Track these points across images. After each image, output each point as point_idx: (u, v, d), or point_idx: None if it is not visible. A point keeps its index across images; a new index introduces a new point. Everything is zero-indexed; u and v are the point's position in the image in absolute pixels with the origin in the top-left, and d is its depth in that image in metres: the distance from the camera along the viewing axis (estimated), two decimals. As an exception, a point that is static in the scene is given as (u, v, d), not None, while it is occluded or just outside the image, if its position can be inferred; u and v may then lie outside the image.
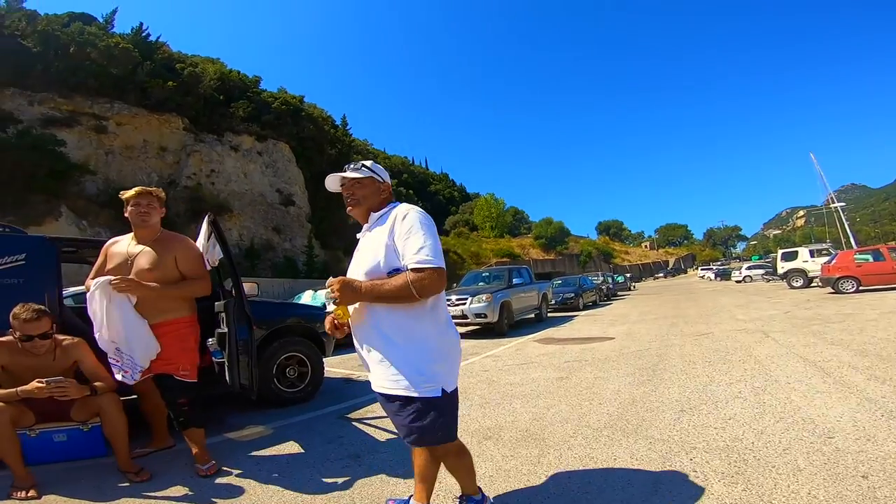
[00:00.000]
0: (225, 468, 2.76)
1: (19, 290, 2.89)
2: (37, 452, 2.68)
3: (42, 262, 3.14)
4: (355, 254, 1.84)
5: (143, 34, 27.86)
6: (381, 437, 3.31)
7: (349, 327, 1.76)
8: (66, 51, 23.43)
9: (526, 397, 4.15)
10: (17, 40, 22.59)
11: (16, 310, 2.48)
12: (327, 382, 4.99)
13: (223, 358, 3.11)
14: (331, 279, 1.64)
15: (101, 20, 28.25)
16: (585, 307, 16.19)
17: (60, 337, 2.70)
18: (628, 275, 39.40)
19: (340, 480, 2.55)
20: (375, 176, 1.85)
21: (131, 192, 2.67)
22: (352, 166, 1.87)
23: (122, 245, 2.74)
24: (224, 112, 29.17)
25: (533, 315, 11.91)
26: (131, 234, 2.75)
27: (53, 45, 23.36)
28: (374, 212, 1.83)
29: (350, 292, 1.61)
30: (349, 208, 1.87)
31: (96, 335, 2.56)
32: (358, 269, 1.73)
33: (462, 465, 1.88)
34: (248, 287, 4.31)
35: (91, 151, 22.43)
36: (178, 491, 2.48)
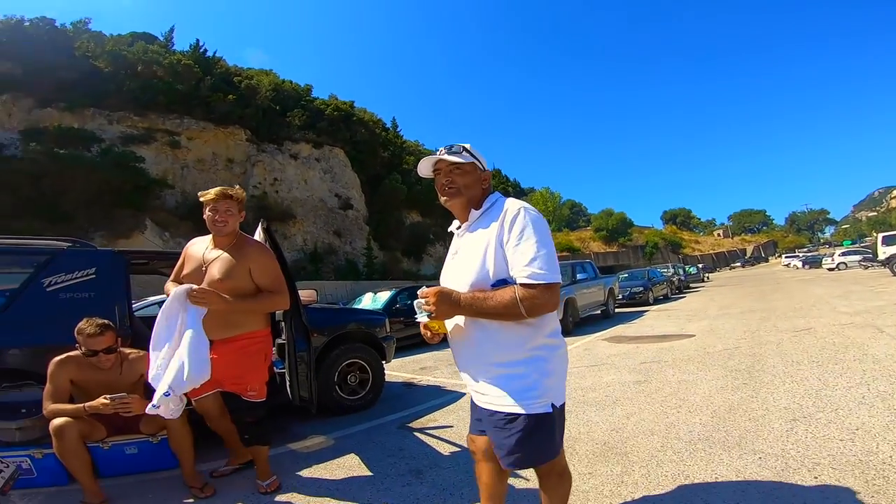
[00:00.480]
0: (285, 483, 2.65)
1: (90, 304, 2.95)
2: (110, 465, 2.72)
3: (111, 275, 3.19)
4: (451, 258, 1.63)
5: (201, 50, 29.70)
6: (444, 449, 3.09)
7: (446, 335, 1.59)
8: (135, 70, 25.46)
9: (601, 404, 3.75)
10: (90, 62, 24.84)
11: (80, 325, 2.48)
12: (388, 388, 4.87)
13: (284, 368, 3.04)
14: (425, 290, 1.46)
15: (161, 38, 30.46)
16: (656, 301, 15.21)
17: (127, 350, 2.70)
18: (701, 265, 36.81)
19: (400, 501, 2.35)
20: (478, 162, 1.58)
21: (210, 195, 2.42)
22: (451, 148, 1.57)
23: (200, 248, 2.54)
24: (281, 122, 30.50)
25: (599, 311, 11.33)
26: (210, 237, 2.54)
27: (122, 64, 25.45)
28: (475, 206, 1.57)
29: (448, 306, 1.42)
30: (445, 198, 1.59)
31: (151, 347, 2.39)
32: (457, 278, 1.53)
33: (561, 489, 1.63)
34: (308, 294, 4.27)
35: (168, 166, 24.26)
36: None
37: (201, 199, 2.44)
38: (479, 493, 1.75)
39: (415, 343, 9.18)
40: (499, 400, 1.45)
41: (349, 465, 2.92)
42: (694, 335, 7.02)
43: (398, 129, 40.89)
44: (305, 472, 2.80)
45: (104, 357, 2.50)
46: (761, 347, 5.47)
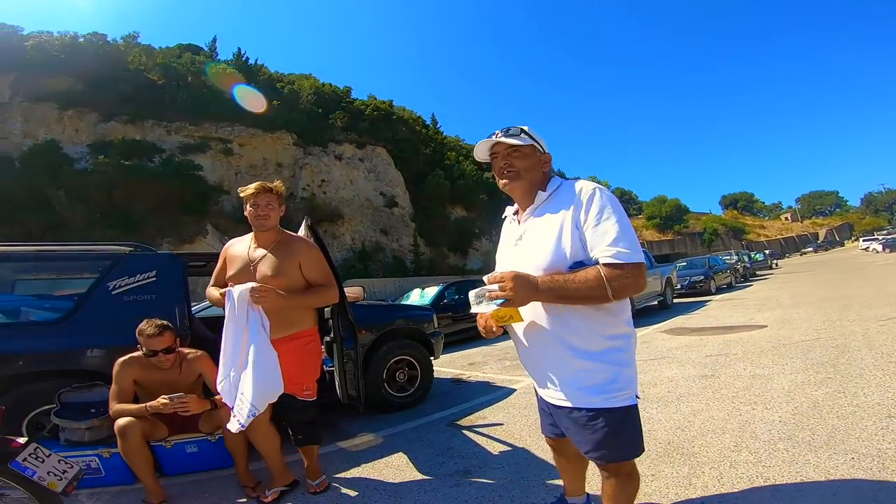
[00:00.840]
0: (334, 483, 2.62)
1: (152, 305, 3.05)
2: (173, 464, 2.79)
3: (171, 277, 3.30)
4: (514, 244, 1.53)
5: (243, 58, 31.04)
6: (493, 448, 2.97)
7: (504, 328, 1.48)
8: (185, 80, 26.96)
9: (662, 401, 3.50)
10: (144, 74, 26.51)
11: (141, 325, 2.55)
12: (436, 384, 4.81)
13: (332, 366, 3.04)
14: (499, 273, 1.35)
15: (205, 48, 32.02)
16: (719, 290, 14.26)
17: (185, 350, 2.75)
18: (768, 251, 34.40)
19: (448, 502, 2.27)
20: (537, 145, 1.51)
21: (250, 189, 2.35)
22: (509, 131, 1.49)
23: (242, 248, 2.45)
24: (324, 124, 31.42)
25: (656, 302, 10.80)
26: (251, 235, 2.47)
27: (173, 76, 27.05)
28: (539, 189, 1.50)
29: (527, 290, 1.31)
30: (504, 182, 1.52)
31: (221, 353, 2.30)
32: (527, 262, 1.42)
33: (630, 488, 1.50)
34: (355, 291, 4.27)
35: (223, 173, 25.60)
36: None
37: (241, 195, 2.39)
38: (559, 473, 1.82)
39: (463, 338, 9.10)
40: (579, 396, 1.38)
41: (397, 465, 2.87)
42: (766, 326, 6.46)
43: (438, 126, 41.06)
44: (354, 471, 2.77)
45: (164, 357, 2.55)
46: (845, 338, 4.94)
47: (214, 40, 32.64)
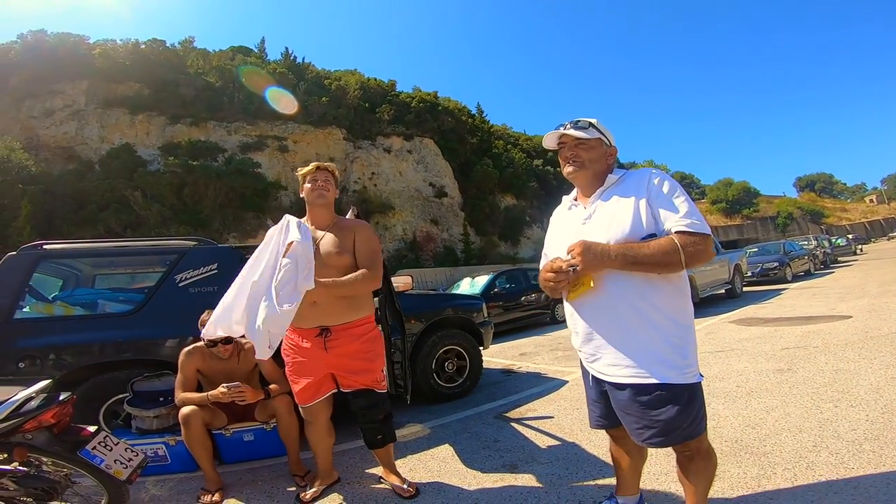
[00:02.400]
0: (376, 473, 2.60)
1: (214, 297, 3.15)
2: (232, 452, 2.90)
3: (231, 269, 3.42)
4: (584, 223, 1.55)
5: (291, 58, 32.03)
6: (542, 442, 2.88)
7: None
8: (239, 81, 28.17)
9: (730, 396, 3.25)
10: (203, 77, 28.00)
11: (203, 316, 2.64)
12: (486, 375, 4.76)
13: None
14: (569, 246, 1.46)
15: (255, 49, 33.32)
16: (795, 278, 13.12)
17: (243, 341, 2.79)
18: (851, 236, 31.22)
19: (492, 498, 2.21)
20: (604, 138, 1.58)
21: (309, 167, 2.31)
22: (577, 123, 1.57)
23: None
24: (371, 118, 31.92)
25: (723, 290, 10.13)
26: (306, 217, 2.35)
27: (228, 77, 28.40)
28: (601, 181, 1.59)
29: (596, 257, 1.40)
30: (569, 170, 1.60)
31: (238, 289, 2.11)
32: (600, 237, 1.47)
33: (711, 468, 1.54)
34: (404, 280, 4.27)
35: (280, 169, 26.71)
36: (334, 500, 2.38)
37: (299, 174, 2.35)
38: (615, 473, 1.81)
39: (514, 328, 8.99)
40: (650, 373, 1.40)
41: (443, 457, 2.84)
42: (850, 316, 5.85)
43: (484, 115, 40.52)
44: (399, 462, 2.72)
45: (222, 347, 2.65)
46: (947, 329, 4.38)
47: (263, 41, 34.10)
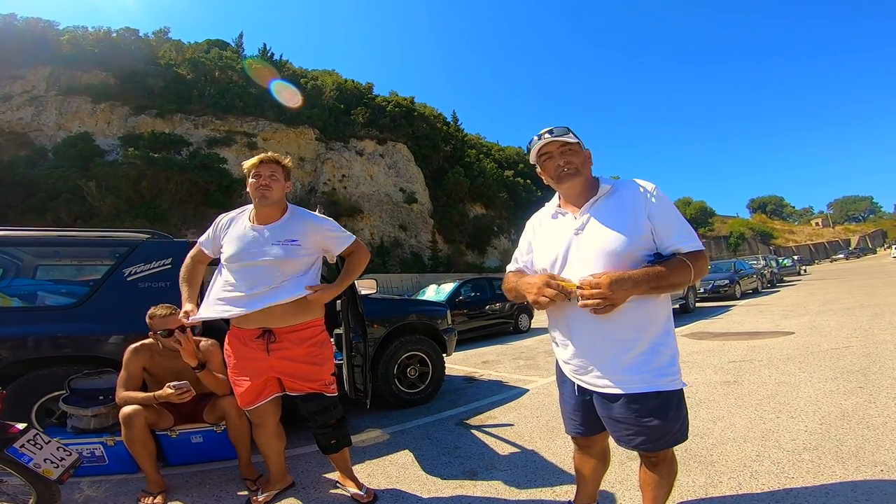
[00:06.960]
0: (332, 478, 2.55)
1: (166, 293, 2.93)
2: (178, 454, 2.75)
3: None
4: (577, 233, 1.51)
5: (269, 54, 31.48)
6: (502, 450, 2.89)
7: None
8: (213, 75, 27.52)
9: (681, 406, 3.36)
10: (174, 69, 27.14)
11: (151, 310, 2.51)
12: (448, 382, 4.73)
13: (341, 360, 2.98)
14: (591, 278, 1.36)
15: (232, 44, 32.59)
16: (744, 295, 13.83)
17: (197, 339, 2.68)
18: (797, 257, 33.22)
19: None
20: (581, 142, 1.57)
21: (253, 160, 2.10)
22: (554, 131, 1.53)
23: (240, 226, 2.16)
24: (346, 120, 31.67)
25: (678, 306, 10.49)
26: (251, 209, 2.19)
27: (201, 71, 27.67)
28: (590, 185, 1.57)
29: (626, 290, 1.35)
30: (565, 179, 1.53)
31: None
32: (595, 248, 1.45)
33: (673, 476, 1.60)
34: (368, 283, 4.21)
35: (247, 167, 26.04)
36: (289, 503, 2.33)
37: (244, 168, 2.13)
38: (577, 482, 1.83)
39: (478, 336, 9.01)
40: (647, 380, 1.42)
41: (403, 463, 2.80)
42: (793, 332, 6.21)
43: (459, 123, 40.88)
44: (357, 468, 2.67)
45: (180, 334, 2.42)
46: (877, 347, 4.70)
47: (241, 36, 33.33)
